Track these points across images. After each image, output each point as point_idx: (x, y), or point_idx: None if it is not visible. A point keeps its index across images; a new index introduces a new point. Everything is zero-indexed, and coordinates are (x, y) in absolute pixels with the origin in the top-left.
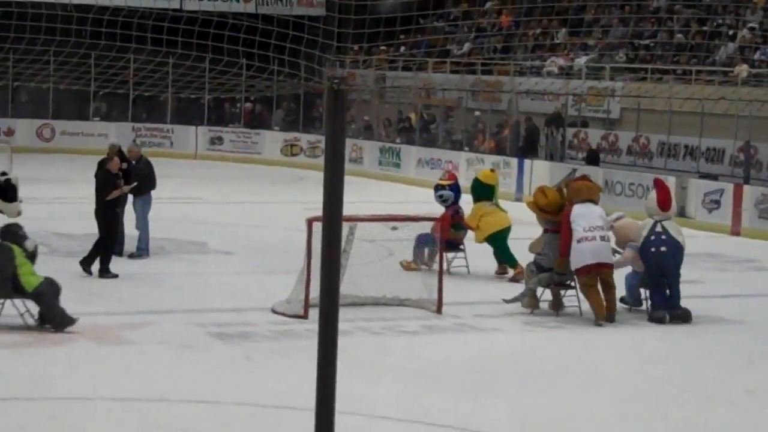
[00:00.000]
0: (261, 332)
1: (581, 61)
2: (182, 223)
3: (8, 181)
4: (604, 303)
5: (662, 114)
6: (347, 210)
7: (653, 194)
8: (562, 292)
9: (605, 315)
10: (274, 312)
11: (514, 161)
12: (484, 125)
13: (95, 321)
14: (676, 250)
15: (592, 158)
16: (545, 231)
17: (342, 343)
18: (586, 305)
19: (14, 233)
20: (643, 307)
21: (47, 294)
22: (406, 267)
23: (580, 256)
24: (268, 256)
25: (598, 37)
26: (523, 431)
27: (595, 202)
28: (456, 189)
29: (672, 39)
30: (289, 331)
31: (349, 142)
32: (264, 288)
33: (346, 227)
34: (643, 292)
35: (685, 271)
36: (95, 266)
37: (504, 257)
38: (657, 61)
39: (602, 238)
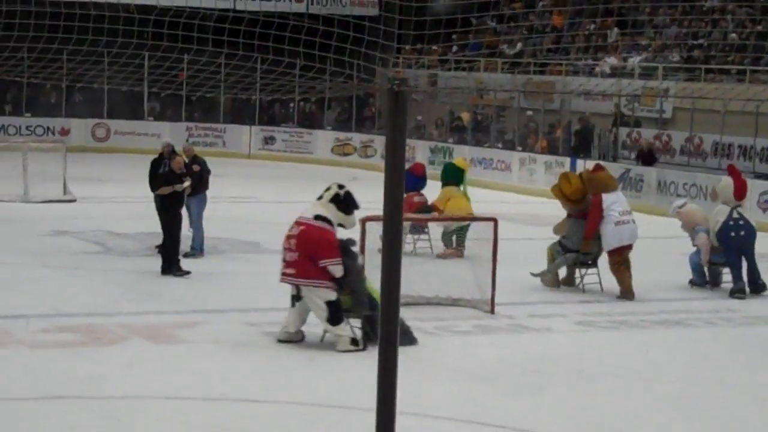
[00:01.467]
0: (315, 331)
1: (634, 60)
2: (236, 223)
3: (348, 193)
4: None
5: (716, 114)
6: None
7: (729, 181)
8: (584, 270)
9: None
10: None
11: (567, 161)
12: (536, 125)
13: (150, 320)
14: (754, 232)
15: (646, 158)
16: (569, 216)
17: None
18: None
19: (351, 249)
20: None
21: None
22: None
23: (619, 237)
24: None
25: (651, 37)
26: None
27: (617, 190)
28: (419, 178)
29: (726, 39)
30: None
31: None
32: None
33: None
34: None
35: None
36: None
37: (458, 241)
38: (711, 61)
39: (634, 222)
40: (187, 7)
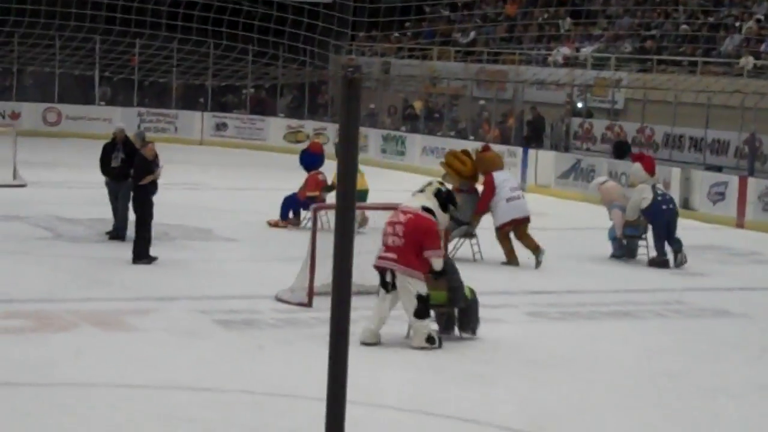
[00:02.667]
0: (265, 320)
1: (587, 50)
2: (187, 209)
3: (449, 191)
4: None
5: (668, 105)
6: None
7: (638, 166)
8: (462, 240)
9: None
10: (279, 300)
11: (519, 151)
12: (489, 114)
13: (100, 307)
14: (675, 205)
15: (620, 150)
16: (459, 191)
17: None
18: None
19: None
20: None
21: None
22: (273, 225)
23: (510, 211)
24: (272, 243)
25: (604, 27)
26: (526, 422)
27: (503, 168)
28: (321, 156)
29: (678, 30)
30: (294, 319)
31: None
32: (268, 275)
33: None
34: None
35: (690, 264)
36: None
37: None
38: (663, 52)
39: (524, 197)
40: None
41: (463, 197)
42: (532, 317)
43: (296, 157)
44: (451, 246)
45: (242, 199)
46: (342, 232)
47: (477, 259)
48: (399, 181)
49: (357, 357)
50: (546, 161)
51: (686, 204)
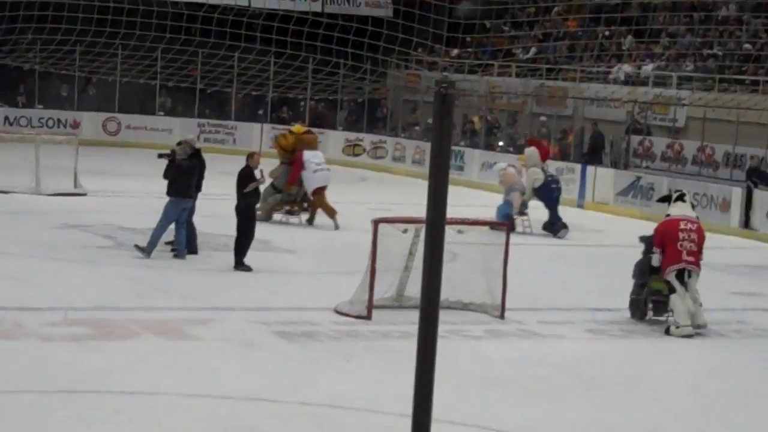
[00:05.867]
0: (324, 332)
1: (648, 68)
2: (305, 232)
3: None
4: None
5: (728, 124)
6: (411, 212)
7: (534, 150)
8: (287, 207)
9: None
10: (338, 312)
11: (578, 167)
12: (548, 130)
13: (160, 316)
14: (560, 184)
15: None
16: (282, 163)
17: (404, 345)
18: None
19: None
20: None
21: None
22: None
23: (317, 180)
24: (331, 256)
25: (666, 46)
26: None
27: (316, 148)
28: None
29: (740, 49)
30: (353, 331)
31: (411, 144)
32: (327, 288)
33: (412, 230)
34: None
35: (751, 284)
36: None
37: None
38: (725, 71)
39: (328, 170)
40: (204, 3)
41: (283, 169)
42: (592, 334)
43: (355, 170)
44: (279, 215)
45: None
46: (433, 247)
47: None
48: (458, 196)
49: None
50: (605, 178)
51: (747, 224)
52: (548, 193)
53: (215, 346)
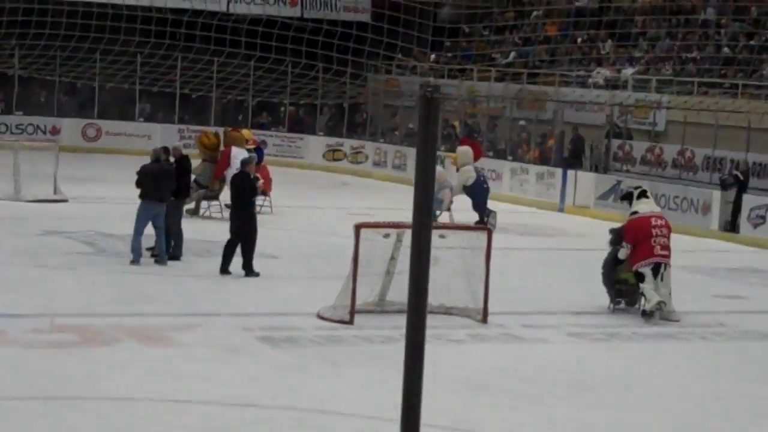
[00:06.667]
0: (308, 337)
1: (627, 72)
2: (227, 227)
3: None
4: None
5: (708, 127)
6: (392, 216)
7: (467, 149)
8: (208, 203)
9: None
10: (321, 317)
11: (558, 171)
12: (528, 135)
13: (143, 322)
14: (488, 183)
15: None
16: (204, 161)
17: (388, 350)
18: None
19: None
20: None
21: None
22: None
23: None
24: (313, 261)
25: (645, 50)
26: None
27: (243, 146)
28: (260, 151)
29: (719, 52)
30: (336, 336)
31: (392, 149)
32: (309, 293)
33: (394, 234)
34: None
35: (731, 287)
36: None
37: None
38: (704, 75)
39: None
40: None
41: (205, 166)
42: (575, 338)
43: (335, 175)
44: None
45: (281, 217)
46: (420, 252)
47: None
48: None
49: (397, 377)
50: (585, 182)
51: (727, 227)
52: (478, 192)
53: (199, 351)
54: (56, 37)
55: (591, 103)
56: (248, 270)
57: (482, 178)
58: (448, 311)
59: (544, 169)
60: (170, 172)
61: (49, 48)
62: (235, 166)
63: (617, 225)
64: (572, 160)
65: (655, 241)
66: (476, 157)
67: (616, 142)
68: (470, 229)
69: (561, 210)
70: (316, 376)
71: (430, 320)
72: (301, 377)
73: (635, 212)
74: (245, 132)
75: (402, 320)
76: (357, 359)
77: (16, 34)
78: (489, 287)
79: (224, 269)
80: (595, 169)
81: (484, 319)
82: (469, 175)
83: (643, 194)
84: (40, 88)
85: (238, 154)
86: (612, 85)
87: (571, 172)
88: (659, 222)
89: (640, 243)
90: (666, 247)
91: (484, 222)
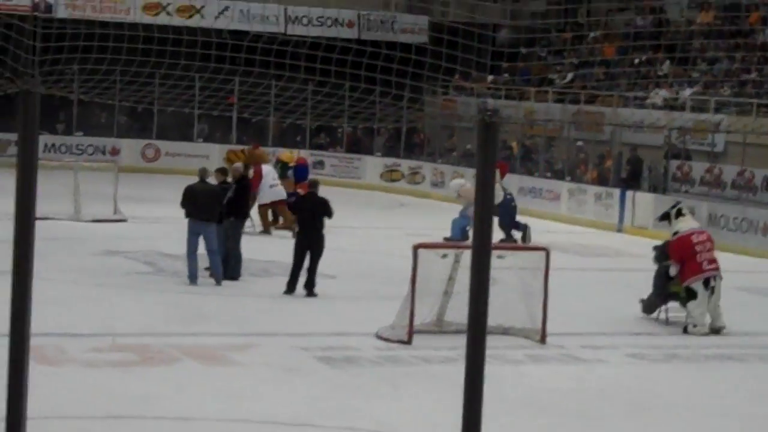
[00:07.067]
0: (366, 357)
1: (685, 93)
2: (284, 247)
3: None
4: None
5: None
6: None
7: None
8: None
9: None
10: (379, 337)
11: (616, 192)
12: (586, 155)
13: (201, 341)
14: (515, 200)
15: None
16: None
17: (446, 370)
18: None
19: None
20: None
21: None
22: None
23: (272, 195)
24: (371, 280)
25: (703, 71)
26: None
27: (269, 163)
28: (304, 169)
29: None
30: (394, 356)
31: (449, 169)
32: (367, 313)
33: (452, 255)
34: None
35: None
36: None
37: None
38: (762, 96)
39: (280, 185)
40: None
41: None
42: (634, 359)
43: (393, 196)
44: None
45: (339, 237)
46: (480, 272)
47: None
48: (495, 221)
49: (455, 396)
50: (644, 203)
51: None
52: (507, 210)
53: (257, 371)
54: (117, 62)
55: (649, 125)
56: (309, 289)
57: (509, 196)
58: (506, 332)
59: (602, 189)
60: (215, 193)
61: (110, 73)
62: (267, 184)
63: (659, 242)
64: (630, 180)
65: (700, 257)
66: (503, 175)
67: (674, 163)
68: (528, 249)
69: (619, 230)
70: (374, 396)
71: (488, 341)
72: (359, 397)
73: (676, 232)
74: (286, 155)
75: (460, 340)
76: (415, 379)
77: (78, 59)
78: (547, 307)
79: (290, 289)
80: (654, 189)
81: (543, 340)
82: (497, 193)
83: (679, 213)
84: (100, 110)
85: (269, 173)
86: (670, 105)
87: (629, 193)
88: (701, 237)
89: (686, 261)
90: (712, 261)
91: (512, 239)
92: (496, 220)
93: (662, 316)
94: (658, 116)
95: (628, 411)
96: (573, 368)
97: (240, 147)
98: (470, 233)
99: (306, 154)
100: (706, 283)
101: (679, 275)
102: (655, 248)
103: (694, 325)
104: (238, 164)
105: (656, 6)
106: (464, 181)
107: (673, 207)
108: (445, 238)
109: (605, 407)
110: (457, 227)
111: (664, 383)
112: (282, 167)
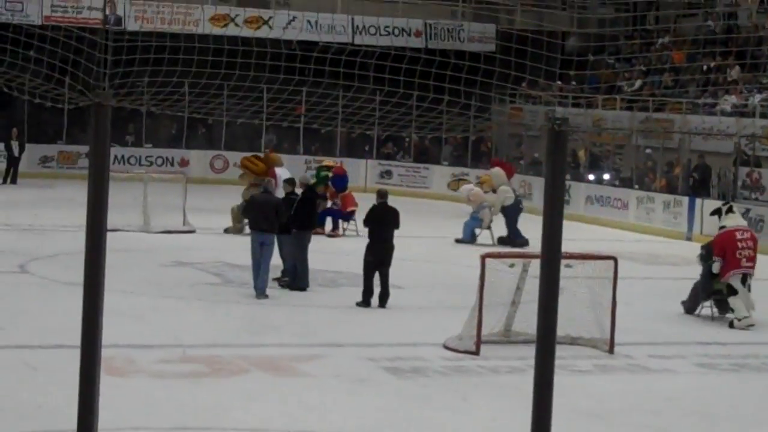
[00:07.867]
0: (434, 368)
1: (756, 99)
2: (354, 257)
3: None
4: None
5: None
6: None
7: (499, 170)
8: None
9: None
10: (446, 348)
11: (685, 200)
12: (654, 163)
13: (270, 352)
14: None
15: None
16: (251, 185)
17: (514, 380)
18: None
19: None
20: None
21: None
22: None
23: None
24: (439, 290)
25: None
26: None
27: (283, 165)
28: (343, 179)
29: None
30: (462, 367)
31: (517, 178)
32: (435, 323)
33: (520, 264)
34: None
35: None
36: None
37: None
38: None
39: None
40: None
41: (254, 190)
42: (703, 369)
43: (460, 205)
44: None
45: (407, 247)
46: (548, 281)
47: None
48: (564, 230)
49: (523, 407)
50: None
51: None
52: (515, 211)
53: (325, 382)
54: (187, 74)
55: (718, 132)
56: (384, 301)
57: (519, 198)
58: (573, 341)
59: (671, 197)
60: (276, 204)
61: (180, 85)
62: (280, 185)
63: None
64: (699, 188)
65: (740, 254)
66: (509, 176)
67: (743, 170)
68: (596, 258)
69: (689, 239)
70: (442, 406)
71: (557, 351)
72: (427, 408)
73: (723, 227)
74: (328, 162)
75: (528, 351)
76: (483, 390)
77: (148, 71)
78: (615, 317)
79: (366, 302)
80: (723, 197)
81: (611, 350)
82: (507, 195)
83: (730, 210)
84: (170, 121)
85: (283, 174)
86: (739, 112)
87: (698, 201)
88: (745, 235)
89: (727, 255)
90: (751, 259)
91: (525, 239)
92: (503, 219)
93: (704, 312)
94: (727, 123)
95: (696, 422)
96: (641, 378)
97: (251, 153)
98: (478, 234)
99: (374, 164)
100: (744, 279)
101: (721, 271)
102: (703, 247)
103: (739, 319)
104: (305, 174)
105: (726, 12)
106: (471, 186)
107: (725, 204)
108: (457, 240)
109: (673, 418)
110: (468, 229)
111: (733, 394)
112: (318, 170)
